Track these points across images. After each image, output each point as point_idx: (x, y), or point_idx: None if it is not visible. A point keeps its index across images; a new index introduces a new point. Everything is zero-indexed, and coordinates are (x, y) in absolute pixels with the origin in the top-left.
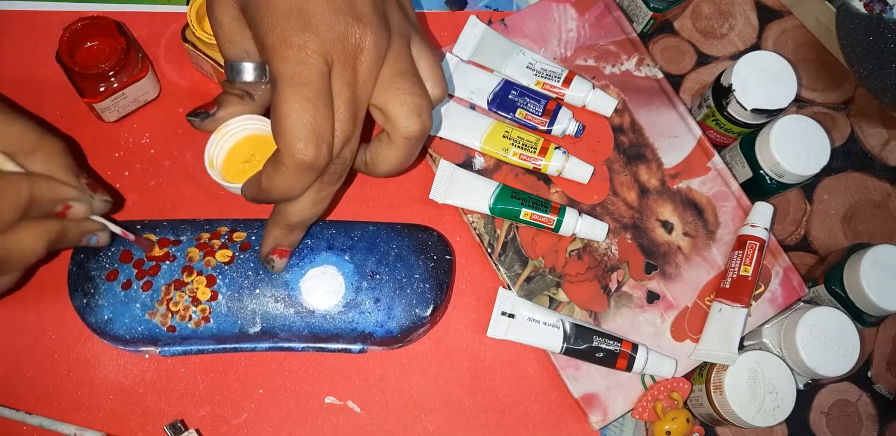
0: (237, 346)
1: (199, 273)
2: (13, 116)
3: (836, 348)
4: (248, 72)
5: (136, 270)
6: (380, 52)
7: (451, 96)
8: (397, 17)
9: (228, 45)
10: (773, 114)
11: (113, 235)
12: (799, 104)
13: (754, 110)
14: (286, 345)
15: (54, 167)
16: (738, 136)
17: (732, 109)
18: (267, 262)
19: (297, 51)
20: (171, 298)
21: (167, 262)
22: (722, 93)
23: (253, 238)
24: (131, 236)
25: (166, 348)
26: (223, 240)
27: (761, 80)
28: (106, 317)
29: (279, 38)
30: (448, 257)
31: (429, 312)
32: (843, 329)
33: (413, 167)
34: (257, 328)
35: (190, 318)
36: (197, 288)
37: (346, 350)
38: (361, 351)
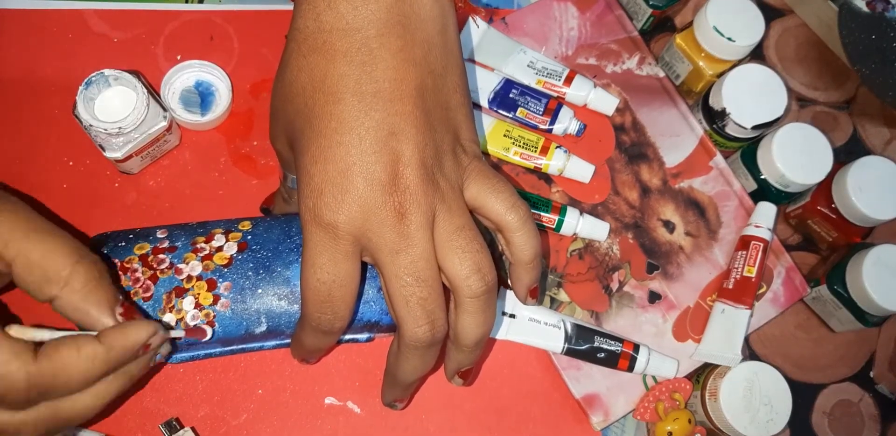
0: (244, 347)
1: (199, 278)
2: (48, 233)
3: None
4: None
5: (135, 282)
6: (426, 211)
7: None
8: (451, 167)
9: (283, 165)
10: (773, 124)
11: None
12: (801, 103)
13: (755, 127)
14: None
15: (90, 302)
16: (738, 148)
17: (731, 130)
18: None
19: (325, 231)
20: (173, 306)
21: (165, 270)
22: (716, 116)
23: (249, 238)
24: (182, 333)
25: (174, 356)
26: (219, 242)
27: (752, 94)
28: None
29: (310, 211)
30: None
31: None
32: None
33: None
34: (263, 328)
35: (195, 324)
36: (198, 293)
37: (353, 340)
38: (369, 339)
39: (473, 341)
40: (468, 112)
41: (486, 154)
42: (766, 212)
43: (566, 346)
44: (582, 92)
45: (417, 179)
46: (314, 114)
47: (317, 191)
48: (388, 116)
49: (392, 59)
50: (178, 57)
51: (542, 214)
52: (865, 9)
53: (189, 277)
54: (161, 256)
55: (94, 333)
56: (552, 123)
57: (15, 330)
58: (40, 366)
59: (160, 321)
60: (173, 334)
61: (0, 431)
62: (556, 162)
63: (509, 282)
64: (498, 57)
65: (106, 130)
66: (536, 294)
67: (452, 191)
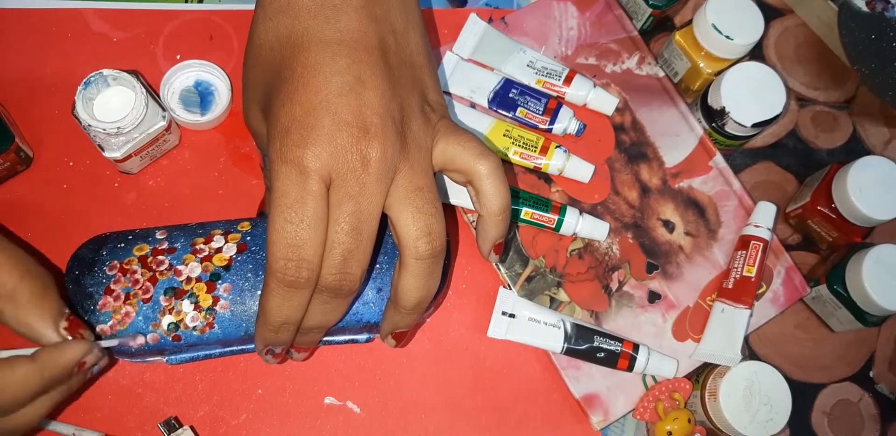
0: (244, 348)
1: (198, 280)
2: None
3: None
4: None
5: (134, 283)
6: (389, 165)
7: (448, 94)
8: (419, 126)
9: (257, 142)
10: (772, 121)
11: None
12: (801, 103)
13: (755, 125)
14: None
15: (34, 316)
16: (738, 147)
17: (730, 128)
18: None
19: (291, 167)
20: (172, 308)
21: (164, 271)
22: (715, 114)
23: (248, 239)
24: (115, 342)
25: (173, 357)
26: (218, 244)
27: (750, 92)
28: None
29: (277, 151)
30: (446, 239)
31: None
32: None
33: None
34: None
35: (194, 326)
36: (198, 295)
37: (352, 341)
38: (368, 340)
39: (412, 304)
40: (433, 73)
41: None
42: (765, 212)
43: (566, 345)
44: (581, 92)
45: (384, 129)
46: (283, 66)
47: (283, 131)
48: (354, 63)
49: (354, 14)
50: (178, 56)
51: (542, 213)
52: (865, 8)
53: (188, 279)
54: (160, 257)
55: (30, 352)
56: (552, 122)
57: None
58: None
59: (95, 331)
60: (105, 344)
61: None
62: (556, 162)
63: (475, 237)
64: (497, 57)
65: (105, 130)
66: (500, 250)
67: (419, 151)
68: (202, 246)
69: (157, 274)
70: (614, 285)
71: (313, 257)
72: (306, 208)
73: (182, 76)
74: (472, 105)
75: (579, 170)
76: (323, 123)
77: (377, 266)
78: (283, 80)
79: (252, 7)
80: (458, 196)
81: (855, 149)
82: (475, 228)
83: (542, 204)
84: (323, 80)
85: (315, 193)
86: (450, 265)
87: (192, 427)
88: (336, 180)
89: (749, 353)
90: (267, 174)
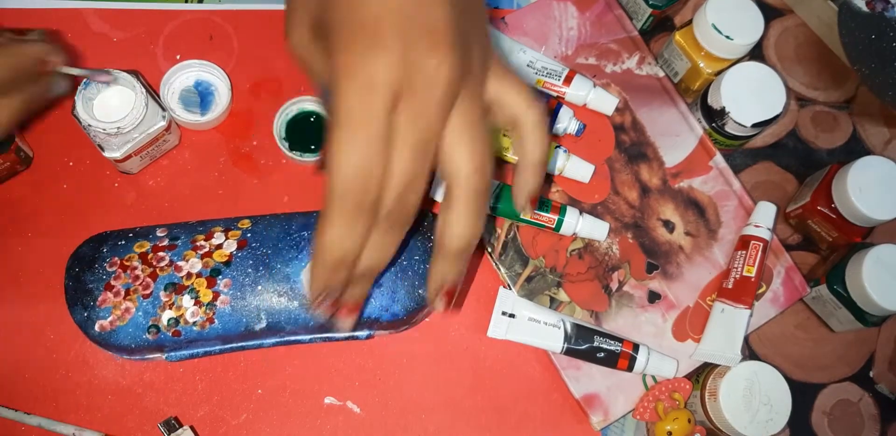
0: (244, 344)
1: (199, 275)
2: None
3: None
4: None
5: (134, 279)
6: (455, 88)
7: None
8: (479, 55)
9: (309, 73)
10: (772, 121)
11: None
12: (801, 103)
13: (754, 125)
14: (293, 338)
15: None
16: (738, 146)
17: (730, 128)
18: (332, 322)
19: (357, 82)
20: (172, 303)
21: (165, 267)
22: (715, 114)
23: (249, 235)
24: (86, 72)
25: (173, 354)
26: (219, 240)
27: (750, 92)
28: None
29: (341, 64)
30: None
31: None
32: None
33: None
34: (263, 324)
35: (194, 321)
36: (198, 290)
37: (353, 337)
38: (369, 337)
39: (463, 245)
40: (488, 26)
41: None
42: (765, 212)
43: (566, 345)
44: (581, 92)
45: (454, 47)
46: None
47: (349, 40)
48: None
49: None
50: (178, 56)
51: (542, 213)
52: (865, 9)
53: (189, 275)
54: (161, 253)
55: None
56: (552, 122)
57: None
58: None
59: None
60: (75, 72)
61: None
62: (556, 162)
63: (513, 188)
64: None
65: (105, 129)
66: (536, 203)
67: (476, 81)
68: (203, 242)
69: (158, 270)
70: (614, 285)
71: (378, 181)
72: (373, 128)
73: (182, 76)
74: None
75: (579, 170)
76: (394, 30)
77: None
78: None
79: (253, 7)
80: None
81: (855, 149)
82: (513, 179)
83: (543, 204)
84: None
85: (382, 110)
86: None
87: (192, 427)
88: (406, 97)
89: (749, 353)
90: (325, 104)
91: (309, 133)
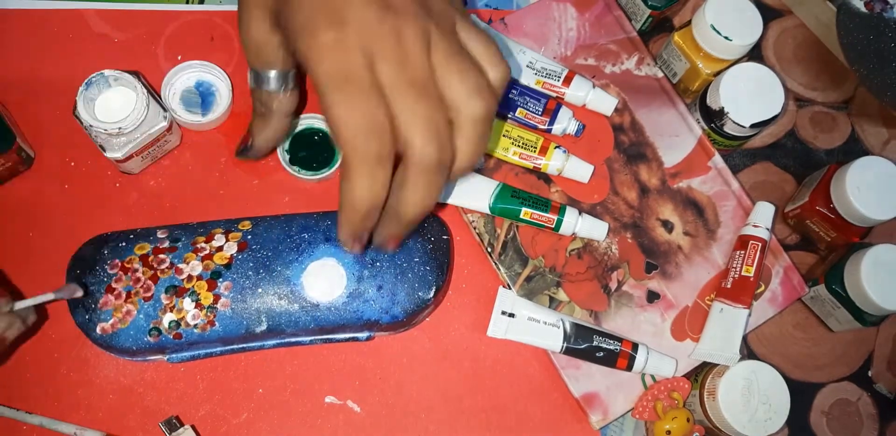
0: (244, 346)
1: (199, 278)
2: None
3: None
4: (271, 81)
5: (135, 282)
6: (424, 37)
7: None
8: (439, 3)
9: (254, 57)
10: (771, 122)
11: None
12: (799, 104)
13: (753, 125)
14: (293, 340)
15: None
16: (737, 147)
17: (729, 128)
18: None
19: (332, 48)
20: (173, 306)
21: (166, 269)
22: (714, 115)
23: (249, 237)
24: (50, 296)
25: (174, 355)
26: (219, 242)
27: (749, 93)
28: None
29: (311, 37)
30: (445, 237)
31: (432, 293)
32: None
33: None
34: (263, 327)
35: (195, 324)
36: (199, 293)
37: (353, 339)
38: (369, 338)
39: (471, 163)
40: None
41: (486, 154)
42: (764, 211)
43: (565, 345)
44: (581, 92)
45: (405, 3)
46: None
47: (310, 17)
48: None
49: None
50: (179, 57)
51: (542, 213)
52: (863, 9)
53: (189, 277)
54: (161, 256)
55: None
56: (551, 123)
57: None
58: None
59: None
60: (31, 302)
61: None
62: (556, 162)
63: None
64: None
65: (106, 130)
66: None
67: (446, 19)
68: (203, 245)
69: (159, 272)
70: (613, 285)
71: (388, 126)
72: (359, 81)
73: (183, 77)
74: None
75: (578, 170)
76: (349, 2)
77: (377, 264)
78: None
79: None
80: (458, 196)
81: (853, 149)
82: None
83: (542, 204)
84: None
85: (361, 66)
86: (450, 264)
87: (193, 426)
88: (377, 54)
89: (748, 352)
90: (255, 93)
91: (312, 150)
